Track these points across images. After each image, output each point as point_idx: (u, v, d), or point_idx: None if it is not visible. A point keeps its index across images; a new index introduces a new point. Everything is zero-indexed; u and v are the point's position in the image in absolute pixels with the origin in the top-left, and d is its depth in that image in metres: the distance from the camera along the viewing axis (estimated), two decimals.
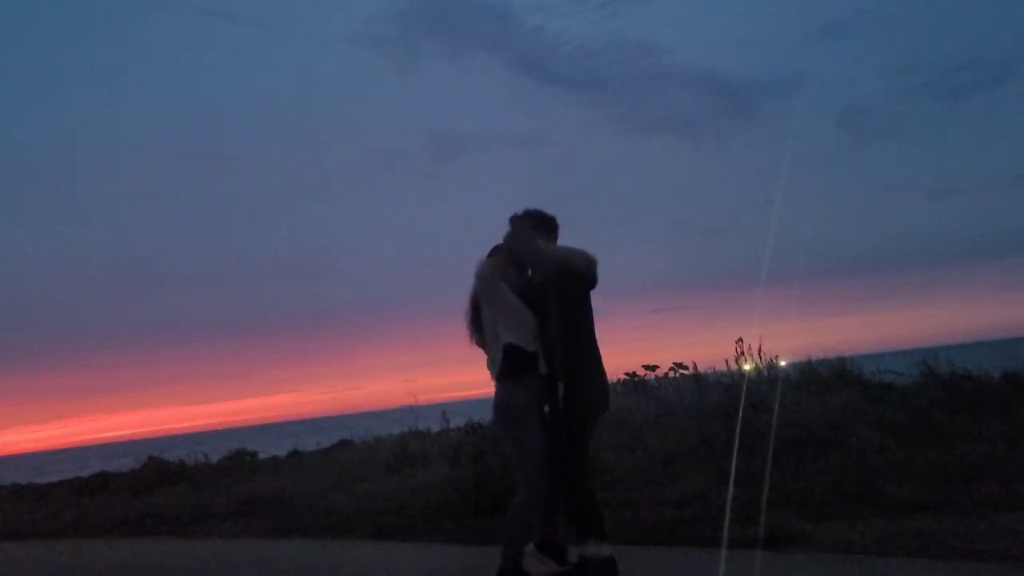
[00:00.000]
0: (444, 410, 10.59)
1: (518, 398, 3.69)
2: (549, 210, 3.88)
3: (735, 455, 5.08)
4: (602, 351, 3.87)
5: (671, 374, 8.94)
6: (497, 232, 3.80)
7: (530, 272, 3.91)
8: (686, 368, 8.88)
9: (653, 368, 9.09)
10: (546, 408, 3.78)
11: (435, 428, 10.29)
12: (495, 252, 3.82)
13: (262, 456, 12.82)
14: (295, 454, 13.34)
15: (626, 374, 9.24)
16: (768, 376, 8.15)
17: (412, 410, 10.60)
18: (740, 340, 8.54)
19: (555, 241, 3.85)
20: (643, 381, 9.06)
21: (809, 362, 8.48)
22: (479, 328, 3.84)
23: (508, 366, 3.70)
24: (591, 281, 3.69)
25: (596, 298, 3.82)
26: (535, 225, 3.76)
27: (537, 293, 3.75)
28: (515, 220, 3.68)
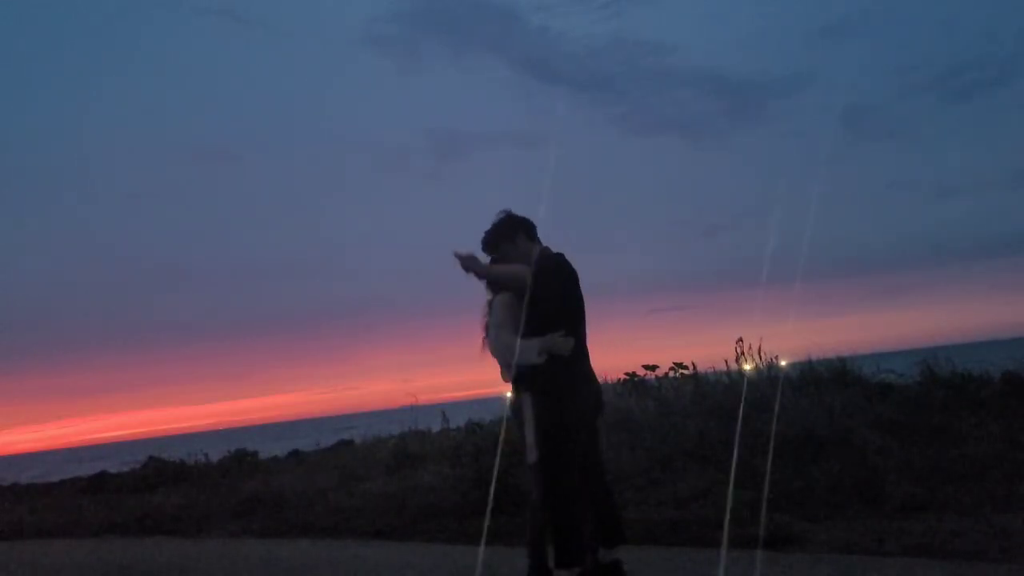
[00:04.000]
0: (444, 410, 10.64)
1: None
2: (522, 213, 3.80)
3: (735, 455, 5.08)
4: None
5: (671, 374, 8.94)
6: None
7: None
8: (686, 368, 8.88)
9: (653, 368, 9.09)
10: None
11: (435, 428, 10.31)
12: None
13: (262, 456, 12.83)
14: (295, 454, 13.36)
15: (626, 374, 9.24)
16: (768, 376, 8.15)
17: (412, 410, 10.63)
18: (740, 340, 8.56)
19: (534, 242, 3.78)
20: (643, 381, 9.06)
21: (809, 362, 8.46)
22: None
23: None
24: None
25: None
26: (513, 228, 3.71)
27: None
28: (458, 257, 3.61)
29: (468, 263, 3.54)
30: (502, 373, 3.72)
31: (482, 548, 5.02)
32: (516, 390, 3.64)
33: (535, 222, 3.82)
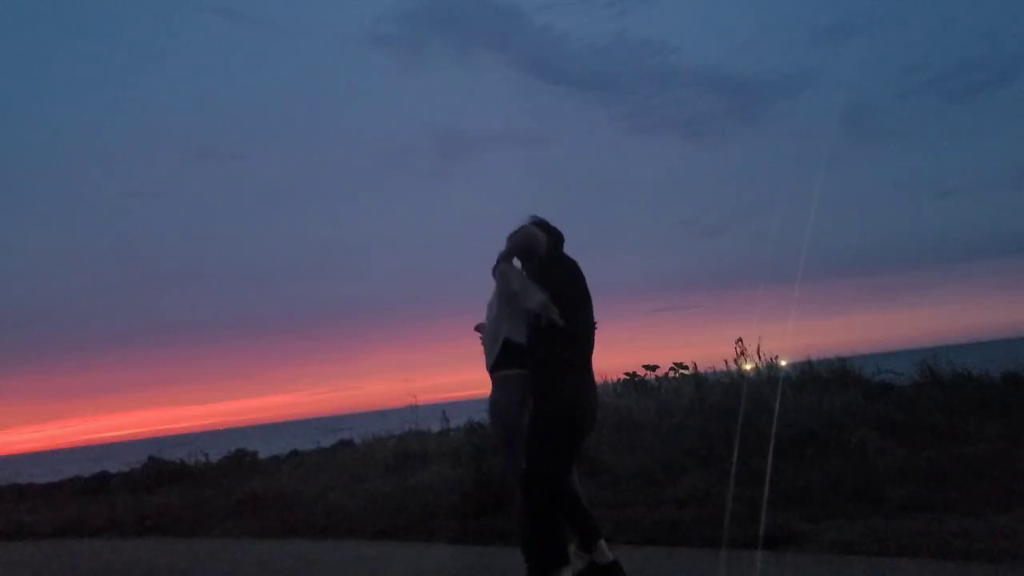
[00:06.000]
0: (444, 410, 10.64)
1: (510, 396, 3.62)
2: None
3: (735, 455, 5.09)
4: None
5: (671, 374, 8.96)
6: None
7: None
8: (686, 368, 8.89)
9: (653, 368, 9.11)
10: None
11: (435, 428, 10.31)
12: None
13: (262, 456, 12.85)
14: (295, 454, 13.36)
15: (626, 374, 9.26)
16: (768, 376, 8.15)
17: (412, 410, 10.64)
18: (740, 340, 8.57)
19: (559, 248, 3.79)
20: (643, 381, 9.07)
21: (809, 362, 8.47)
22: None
23: (504, 361, 3.65)
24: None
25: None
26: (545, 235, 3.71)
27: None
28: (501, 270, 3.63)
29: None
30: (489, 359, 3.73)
31: (482, 548, 5.03)
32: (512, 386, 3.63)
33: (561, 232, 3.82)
